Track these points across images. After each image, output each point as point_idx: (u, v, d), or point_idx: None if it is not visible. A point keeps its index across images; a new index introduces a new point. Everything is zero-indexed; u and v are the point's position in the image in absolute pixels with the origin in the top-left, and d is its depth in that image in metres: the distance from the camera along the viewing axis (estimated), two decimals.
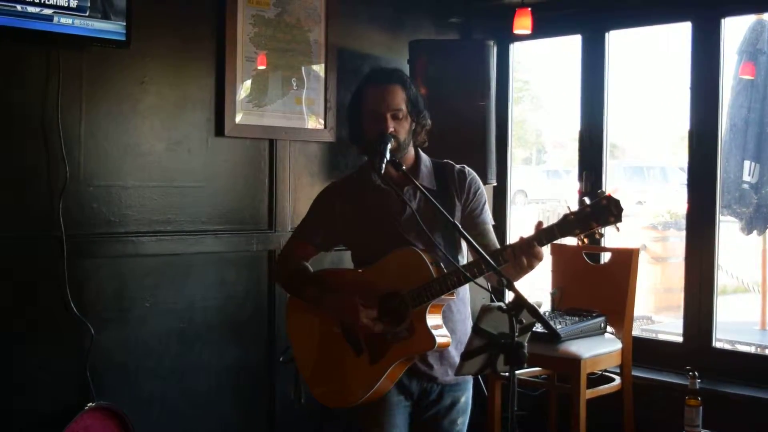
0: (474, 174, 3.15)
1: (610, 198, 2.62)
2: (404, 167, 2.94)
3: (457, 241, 3.06)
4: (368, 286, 2.95)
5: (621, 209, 2.60)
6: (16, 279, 3.73)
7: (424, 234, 2.90)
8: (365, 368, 2.94)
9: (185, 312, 4.25)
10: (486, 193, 3.19)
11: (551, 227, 2.71)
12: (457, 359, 2.99)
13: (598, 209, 2.62)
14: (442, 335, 2.88)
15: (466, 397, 3.14)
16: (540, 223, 2.76)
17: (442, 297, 2.85)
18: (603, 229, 2.67)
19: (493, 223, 3.12)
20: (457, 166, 3.15)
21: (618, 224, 2.62)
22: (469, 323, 3.09)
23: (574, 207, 2.69)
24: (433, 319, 2.87)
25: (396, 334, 2.89)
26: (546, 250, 2.86)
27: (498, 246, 2.95)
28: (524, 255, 2.72)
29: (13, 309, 3.72)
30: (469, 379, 3.13)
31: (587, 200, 2.66)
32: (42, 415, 3.80)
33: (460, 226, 2.76)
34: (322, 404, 3.10)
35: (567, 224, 2.67)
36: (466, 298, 3.13)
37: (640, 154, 13.60)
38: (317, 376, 3.10)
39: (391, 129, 2.94)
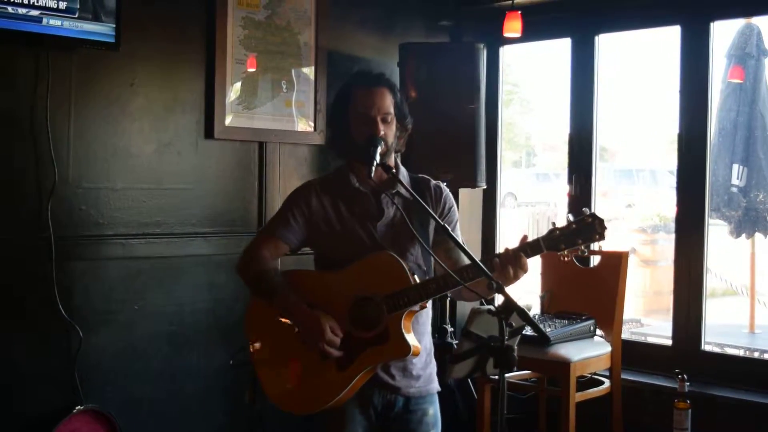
0: (449, 191, 3.13)
1: (594, 216, 2.75)
2: (383, 177, 2.95)
3: (427, 253, 3.00)
4: (341, 289, 2.88)
5: (605, 228, 2.74)
6: (3, 281, 3.72)
7: (398, 242, 2.93)
8: (332, 374, 2.85)
9: (174, 315, 4.24)
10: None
11: (537, 241, 2.78)
12: (419, 372, 2.99)
13: (584, 227, 2.75)
14: (415, 343, 2.85)
15: (435, 410, 3.06)
16: (525, 237, 2.81)
17: (418, 305, 2.82)
18: (586, 247, 2.77)
19: (463, 240, 3.11)
20: (433, 181, 3.13)
21: (601, 242, 2.76)
22: (430, 337, 3.06)
23: (560, 217, 2.75)
24: (406, 327, 2.84)
25: (368, 340, 2.83)
26: None
27: (465, 264, 2.90)
28: (511, 265, 2.74)
29: (1, 311, 3.71)
30: (434, 391, 3.07)
31: (571, 217, 2.78)
32: (30, 418, 3.78)
33: (449, 230, 2.75)
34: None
35: (553, 239, 2.77)
36: (429, 312, 3.06)
37: (630, 157, 13.62)
38: (277, 380, 2.96)
39: (382, 132, 2.91)
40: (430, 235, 3.00)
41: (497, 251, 2.92)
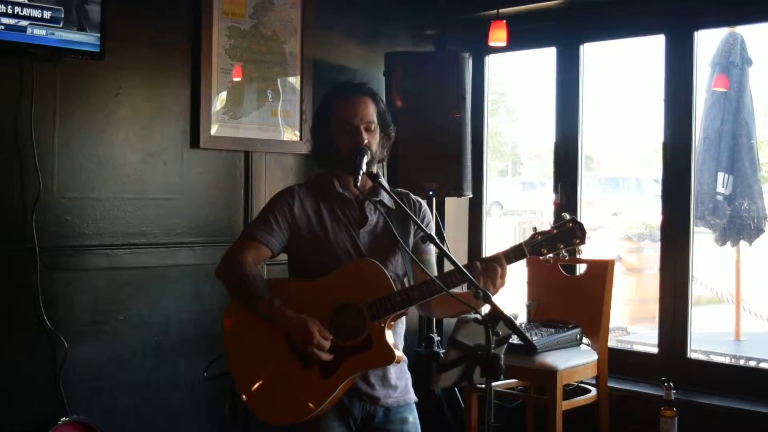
0: (427, 206, 3.15)
1: (575, 221, 2.83)
2: (367, 186, 2.97)
3: (406, 262, 3.01)
4: (322, 297, 2.85)
5: (585, 232, 2.82)
6: None
7: (380, 250, 2.94)
8: (315, 383, 2.81)
9: (160, 325, 4.23)
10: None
11: (520, 245, 2.84)
12: (396, 382, 2.99)
13: (564, 232, 2.82)
14: (398, 351, 2.85)
15: (414, 418, 3.04)
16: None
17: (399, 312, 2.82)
18: (568, 251, 2.84)
19: (447, 248, 3.12)
20: (413, 195, 3.14)
21: (582, 246, 2.83)
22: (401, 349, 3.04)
23: (546, 226, 2.86)
24: (389, 334, 2.84)
25: (351, 348, 2.81)
26: (522, 262, 2.90)
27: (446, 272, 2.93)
28: (492, 271, 2.76)
29: None
30: (412, 401, 3.06)
31: (550, 224, 2.85)
32: (15, 430, 3.75)
33: (437, 240, 2.76)
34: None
35: (535, 244, 2.83)
36: (403, 322, 3.04)
37: (615, 165, 13.66)
38: (257, 389, 2.90)
39: (366, 141, 2.92)
40: (409, 246, 3.00)
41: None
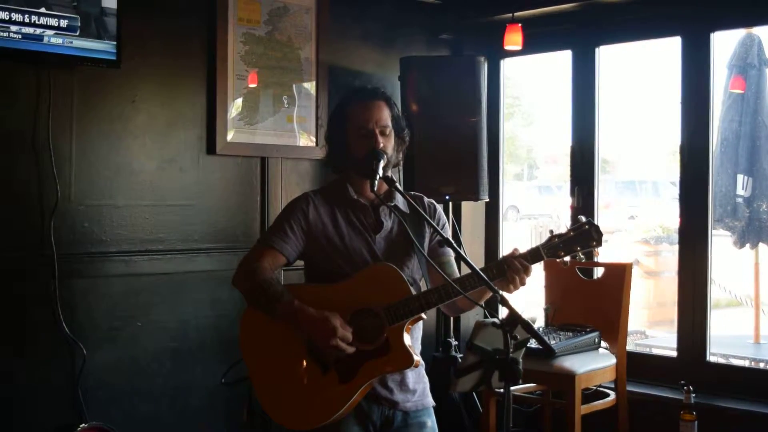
0: (441, 209, 3.15)
1: (591, 223, 2.84)
2: (382, 190, 2.98)
3: (422, 266, 3.01)
4: (339, 301, 2.84)
5: (601, 234, 2.82)
6: (7, 299, 3.72)
7: (395, 255, 2.95)
8: (334, 387, 2.80)
9: (178, 331, 4.24)
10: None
11: (537, 248, 2.83)
12: (414, 386, 2.98)
13: (581, 234, 2.82)
14: (416, 355, 2.84)
15: (432, 421, 3.04)
16: (516, 249, 2.84)
17: (417, 316, 2.82)
18: (584, 254, 2.84)
19: (464, 251, 3.12)
20: (427, 198, 3.14)
21: (598, 248, 2.83)
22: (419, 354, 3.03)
23: (563, 229, 2.85)
24: (407, 338, 2.83)
25: (369, 352, 2.81)
26: (539, 266, 2.91)
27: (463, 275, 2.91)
28: (516, 271, 2.77)
29: (4, 329, 3.71)
30: (430, 405, 3.05)
31: (567, 227, 2.85)
32: None
33: (453, 243, 2.76)
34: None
35: (552, 247, 2.82)
36: (421, 327, 3.03)
37: (632, 168, 13.62)
38: (276, 395, 2.87)
39: (381, 145, 2.92)
40: (425, 250, 3.00)
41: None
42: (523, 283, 2.79)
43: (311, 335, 2.80)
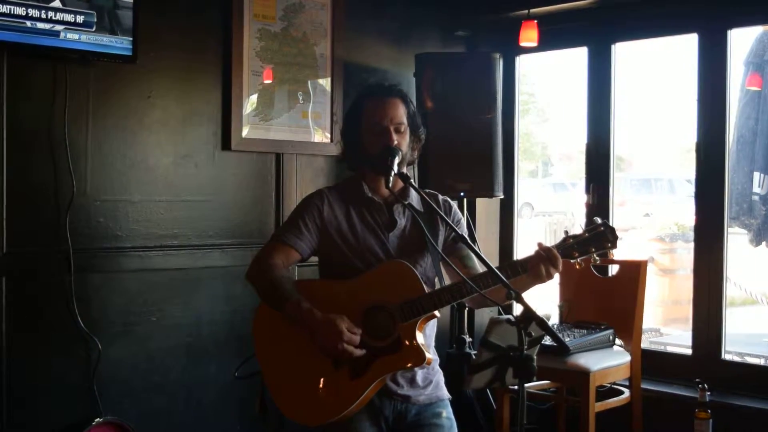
0: (456, 206, 3.15)
1: (606, 225, 2.85)
2: (397, 187, 2.97)
3: (435, 264, 3.00)
4: (352, 298, 2.84)
5: (616, 236, 2.83)
6: (22, 294, 3.73)
7: (409, 253, 2.94)
8: (345, 383, 2.80)
9: (192, 326, 4.25)
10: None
11: (553, 248, 2.84)
12: (423, 382, 2.98)
13: (596, 235, 2.83)
14: (428, 352, 2.84)
15: (448, 412, 3.03)
16: (540, 244, 2.85)
17: (430, 314, 2.81)
18: (599, 255, 2.86)
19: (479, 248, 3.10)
20: (441, 196, 3.14)
21: (614, 250, 2.85)
22: (434, 348, 3.02)
23: (577, 227, 2.83)
24: (420, 336, 2.82)
25: (381, 348, 2.80)
26: None
27: (479, 272, 2.91)
28: (544, 263, 2.79)
29: (20, 324, 3.72)
30: (445, 397, 3.05)
31: (582, 227, 2.87)
32: (49, 430, 3.79)
33: (468, 240, 2.76)
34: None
35: (567, 247, 2.85)
36: (434, 324, 3.03)
37: (647, 166, 13.56)
38: (288, 389, 2.89)
39: (396, 142, 2.92)
40: (440, 247, 2.99)
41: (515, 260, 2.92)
42: (558, 270, 2.82)
43: (317, 338, 2.79)
